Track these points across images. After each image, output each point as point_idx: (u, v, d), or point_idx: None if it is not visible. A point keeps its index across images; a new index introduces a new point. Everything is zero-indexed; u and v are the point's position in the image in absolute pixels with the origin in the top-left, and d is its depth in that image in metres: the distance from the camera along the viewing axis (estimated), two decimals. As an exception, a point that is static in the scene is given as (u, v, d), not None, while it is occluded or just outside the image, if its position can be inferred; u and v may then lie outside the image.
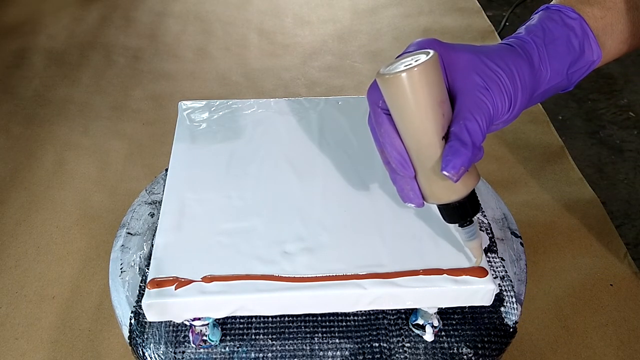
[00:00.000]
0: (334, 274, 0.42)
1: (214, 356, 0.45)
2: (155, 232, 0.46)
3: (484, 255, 0.42)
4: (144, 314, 0.43)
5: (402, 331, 0.46)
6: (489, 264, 0.51)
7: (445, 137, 0.35)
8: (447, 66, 0.37)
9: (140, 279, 0.50)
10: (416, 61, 0.34)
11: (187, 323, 0.44)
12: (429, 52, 0.35)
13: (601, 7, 0.41)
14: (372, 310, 0.47)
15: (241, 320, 0.47)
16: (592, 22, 0.41)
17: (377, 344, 0.46)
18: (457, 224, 0.40)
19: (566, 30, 0.40)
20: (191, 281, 0.41)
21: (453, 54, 0.37)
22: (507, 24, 1.61)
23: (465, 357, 0.45)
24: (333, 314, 0.48)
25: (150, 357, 0.45)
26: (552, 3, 0.42)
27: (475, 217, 0.39)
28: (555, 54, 0.39)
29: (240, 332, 0.46)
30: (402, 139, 0.36)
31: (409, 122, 0.35)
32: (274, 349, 0.45)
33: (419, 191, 0.38)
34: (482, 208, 0.53)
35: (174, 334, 0.46)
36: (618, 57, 0.45)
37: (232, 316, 0.47)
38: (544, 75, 0.39)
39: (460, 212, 0.38)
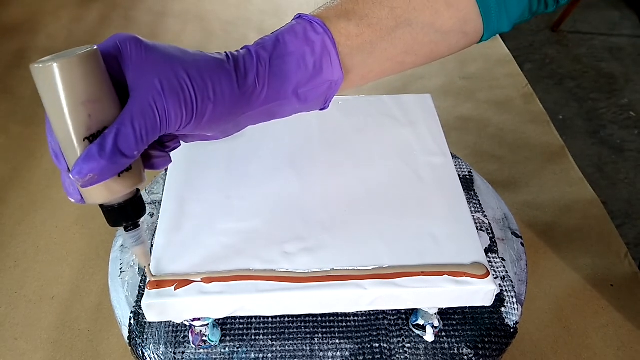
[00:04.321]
0: (334, 274, 0.42)
1: (214, 357, 0.45)
2: (155, 232, 0.46)
3: (149, 263, 0.40)
4: (143, 314, 0.43)
5: (402, 331, 0.46)
6: (490, 264, 0.51)
7: (93, 138, 0.33)
8: (135, 65, 0.34)
9: (140, 279, 0.50)
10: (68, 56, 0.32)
11: (187, 323, 0.44)
12: (87, 48, 0.32)
13: (359, 24, 0.38)
14: (372, 311, 0.47)
15: (241, 321, 0.47)
16: (344, 39, 0.38)
17: (377, 345, 0.45)
18: (122, 227, 0.38)
19: (303, 47, 0.37)
20: (191, 281, 0.41)
21: (146, 53, 0.34)
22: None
23: (465, 357, 0.45)
24: (333, 315, 0.47)
25: (150, 358, 0.45)
26: (313, 12, 0.40)
27: (141, 223, 0.38)
28: (279, 72, 0.37)
29: (240, 332, 0.46)
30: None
31: (50, 117, 0.33)
32: (274, 349, 0.45)
33: (77, 187, 0.35)
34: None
35: (174, 335, 0.46)
36: (393, 73, 0.42)
37: (232, 316, 0.47)
38: (257, 92, 0.36)
39: (117, 215, 0.36)
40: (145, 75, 0.33)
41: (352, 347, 0.45)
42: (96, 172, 0.31)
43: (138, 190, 0.37)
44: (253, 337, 0.46)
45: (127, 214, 0.36)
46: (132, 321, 0.47)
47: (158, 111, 0.32)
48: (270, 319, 0.47)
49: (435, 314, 0.45)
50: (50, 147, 0.35)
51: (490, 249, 0.52)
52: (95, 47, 0.32)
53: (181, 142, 0.40)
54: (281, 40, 0.37)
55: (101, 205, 0.36)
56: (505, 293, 0.49)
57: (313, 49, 0.37)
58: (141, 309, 0.44)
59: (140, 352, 0.45)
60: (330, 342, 0.46)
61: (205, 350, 0.45)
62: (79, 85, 0.32)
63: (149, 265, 0.40)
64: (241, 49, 0.37)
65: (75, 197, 0.36)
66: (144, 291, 0.42)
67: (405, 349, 0.45)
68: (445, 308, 0.47)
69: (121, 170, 0.33)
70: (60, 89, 0.31)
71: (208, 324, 0.44)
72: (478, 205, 0.56)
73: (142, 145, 0.33)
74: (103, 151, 0.31)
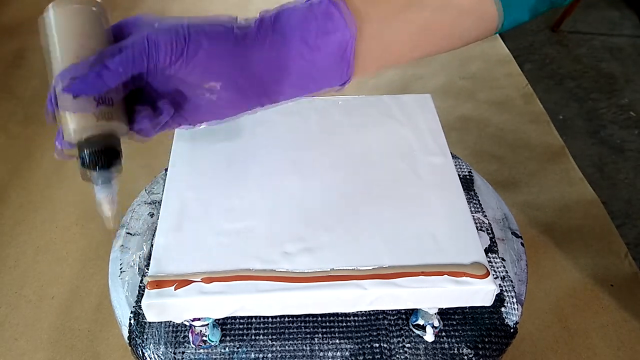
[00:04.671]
0: (334, 274, 0.42)
1: (214, 357, 0.45)
2: (154, 232, 0.46)
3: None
4: (143, 314, 0.43)
5: (402, 331, 0.46)
6: (490, 264, 0.51)
7: None
8: (139, 27, 0.37)
9: (140, 279, 0.50)
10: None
11: (187, 323, 0.44)
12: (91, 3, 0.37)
13: (370, 2, 0.39)
14: (372, 311, 0.47)
15: (241, 321, 0.47)
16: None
17: (377, 345, 0.45)
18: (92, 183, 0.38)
19: (308, 5, 0.38)
20: (191, 281, 0.41)
21: (151, 19, 0.38)
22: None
23: (465, 357, 0.45)
24: (333, 315, 0.47)
25: (150, 358, 0.45)
26: None
27: (114, 184, 0.38)
28: (285, 22, 0.38)
29: (240, 332, 0.46)
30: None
31: (49, 56, 0.36)
32: (274, 349, 0.45)
33: (61, 135, 0.37)
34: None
35: (174, 335, 0.46)
36: (410, 56, 0.42)
37: (232, 316, 0.47)
38: (261, 39, 0.38)
39: (89, 155, 0.36)
40: (145, 25, 0.37)
41: (352, 347, 0.45)
42: (77, 74, 0.34)
43: (120, 147, 0.37)
44: (253, 337, 0.46)
45: (100, 156, 0.36)
46: (132, 321, 0.47)
47: (147, 41, 0.35)
48: (270, 319, 0.47)
49: (435, 314, 0.45)
50: (48, 97, 0.37)
51: (490, 249, 0.52)
52: (93, 6, 0.37)
53: (191, 126, 0.40)
54: (285, 5, 0.39)
55: (79, 148, 0.36)
56: (505, 293, 0.49)
57: (319, 4, 0.38)
58: (141, 309, 0.44)
59: (140, 352, 0.45)
60: (330, 342, 0.46)
61: (205, 350, 0.45)
62: (72, 28, 0.36)
63: (110, 225, 0.39)
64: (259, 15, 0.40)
65: (58, 140, 0.37)
66: (144, 291, 0.42)
67: (405, 349, 0.45)
68: (445, 308, 0.47)
69: (103, 91, 0.35)
70: (55, 28, 0.35)
71: (208, 324, 0.44)
72: (478, 205, 0.56)
73: (127, 65, 0.35)
74: (86, 62, 0.34)
